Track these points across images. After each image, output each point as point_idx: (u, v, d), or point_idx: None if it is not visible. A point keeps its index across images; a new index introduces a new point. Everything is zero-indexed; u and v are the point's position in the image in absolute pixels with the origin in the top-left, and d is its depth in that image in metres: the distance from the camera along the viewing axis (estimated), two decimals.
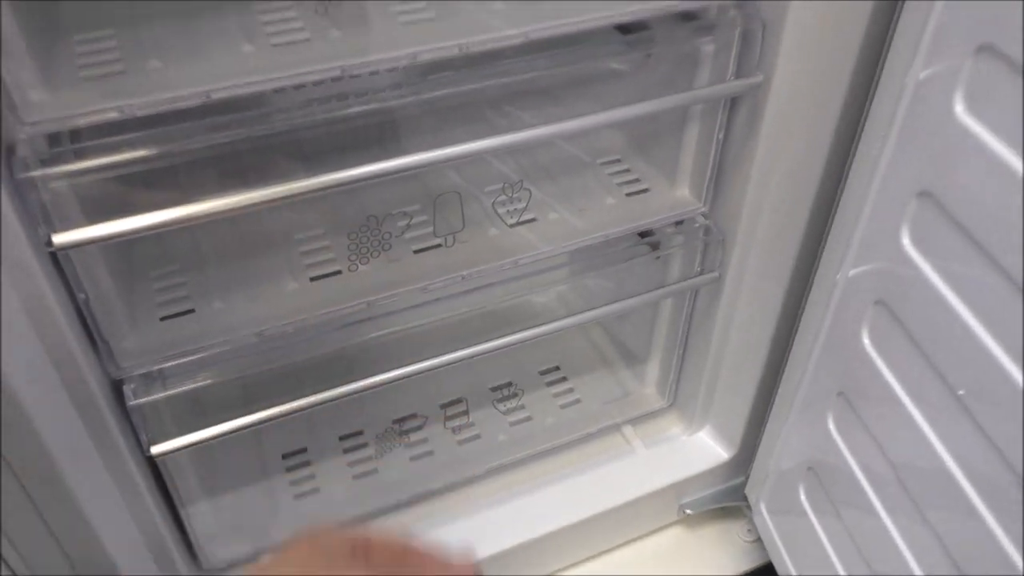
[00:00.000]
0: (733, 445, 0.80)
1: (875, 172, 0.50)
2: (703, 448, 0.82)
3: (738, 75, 0.59)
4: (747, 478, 0.80)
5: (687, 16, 0.61)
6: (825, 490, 0.64)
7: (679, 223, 0.70)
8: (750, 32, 0.57)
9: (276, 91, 0.47)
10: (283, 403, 0.60)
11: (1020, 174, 0.39)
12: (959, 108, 0.42)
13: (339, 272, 0.59)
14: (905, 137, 0.47)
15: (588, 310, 0.69)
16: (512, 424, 0.82)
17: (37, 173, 0.42)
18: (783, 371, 0.68)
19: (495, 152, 0.56)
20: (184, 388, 0.56)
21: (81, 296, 0.49)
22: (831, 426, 0.60)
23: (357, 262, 0.59)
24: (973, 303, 0.44)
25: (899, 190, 0.48)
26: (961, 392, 0.45)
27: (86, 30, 0.49)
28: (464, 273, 0.60)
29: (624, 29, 0.61)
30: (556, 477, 0.79)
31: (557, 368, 0.88)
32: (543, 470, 0.80)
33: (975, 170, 0.41)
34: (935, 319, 0.46)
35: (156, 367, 0.55)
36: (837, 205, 0.57)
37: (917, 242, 0.47)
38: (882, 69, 0.50)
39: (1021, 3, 0.38)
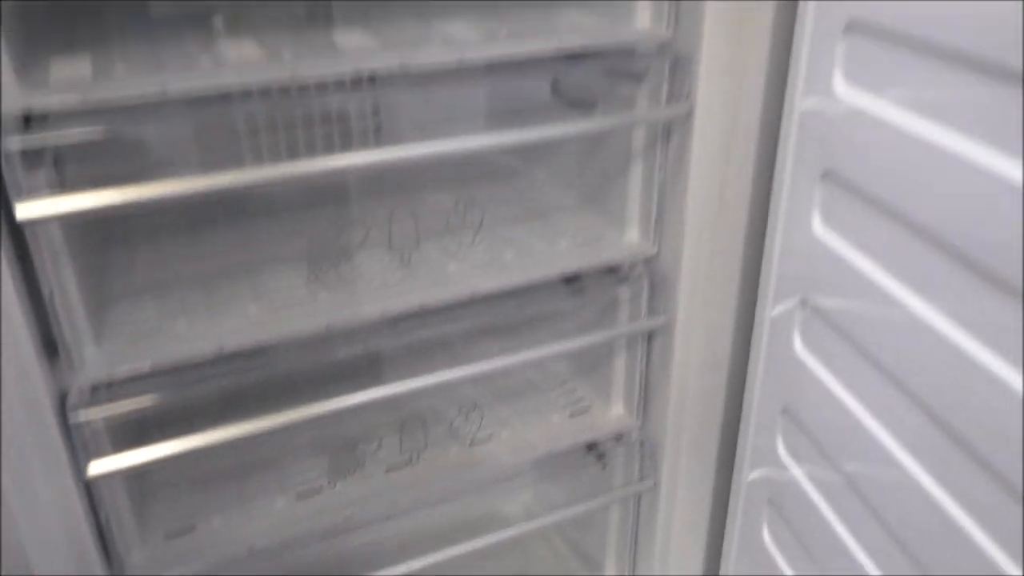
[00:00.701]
0: None
1: (754, 392, 0.62)
2: None
3: (649, 314, 0.72)
4: None
5: (611, 270, 0.76)
6: None
7: (618, 438, 0.81)
8: (655, 283, 0.71)
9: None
10: None
11: (837, 395, 0.51)
12: (797, 343, 0.55)
13: (320, 490, 0.69)
14: (768, 363, 0.60)
15: (543, 515, 0.78)
16: None
17: (85, 418, 0.53)
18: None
19: (457, 382, 0.68)
20: None
21: (103, 515, 0.58)
22: None
23: (336, 481, 0.69)
24: (831, 500, 0.54)
25: (771, 408, 0.60)
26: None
27: (130, 296, 0.62)
28: (428, 489, 0.70)
29: (566, 279, 0.76)
30: None
31: None
32: None
33: (811, 391, 0.54)
34: (806, 515, 0.56)
35: None
36: (740, 420, 0.69)
37: (789, 450, 0.58)
38: (753, 307, 0.64)
39: (829, 264, 0.52)
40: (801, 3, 0.50)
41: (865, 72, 0.46)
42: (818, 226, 0.51)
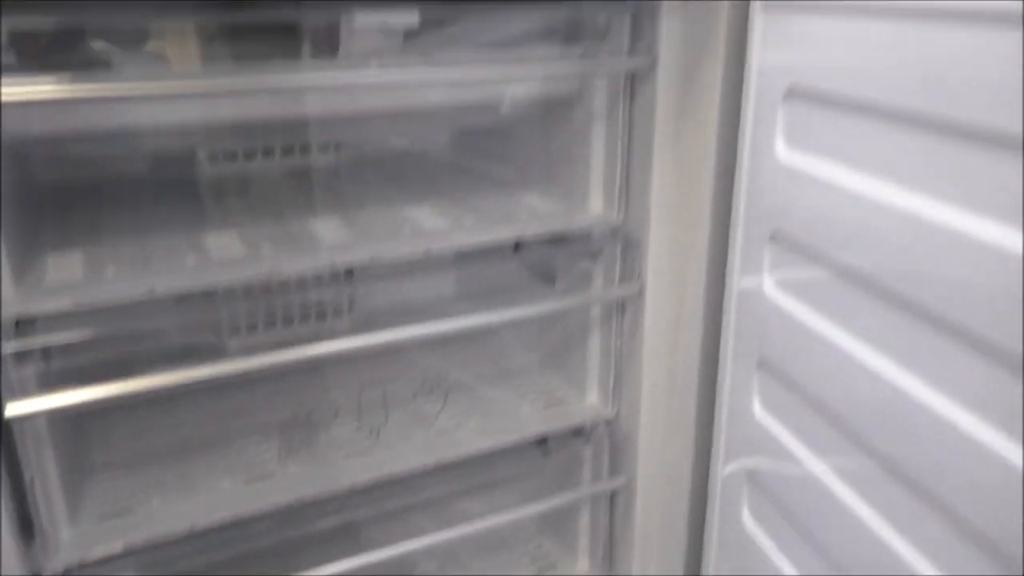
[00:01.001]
0: None
1: (710, 561, 0.65)
2: None
3: (611, 473, 0.75)
4: None
5: (577, 431, 0.79)
6: None
7: None
8: (615, 442, 0.75)
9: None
10: None
11: (783, 570, 0.54)
12: (746, 516, 0.58)
13: None
14: (721, 532, 0.63)
15: None
16: None
17: None
18: None
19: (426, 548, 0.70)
20: None
21: None
22: None
23: None
24: None
25: (725, 573, 0.62)
26: None
27: (106, 471, 0.64)
28: None
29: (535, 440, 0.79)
30: None
31: None
32: None
33: (758, 563, 0.56)
34: None
35: None
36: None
37: None
38: (708, 464, 0.67)
39: (769, 445, 0.56)
40: (735, 208, 0.56)
41: (786, 276, 0.51)
42: (758, 409, 0.55)
